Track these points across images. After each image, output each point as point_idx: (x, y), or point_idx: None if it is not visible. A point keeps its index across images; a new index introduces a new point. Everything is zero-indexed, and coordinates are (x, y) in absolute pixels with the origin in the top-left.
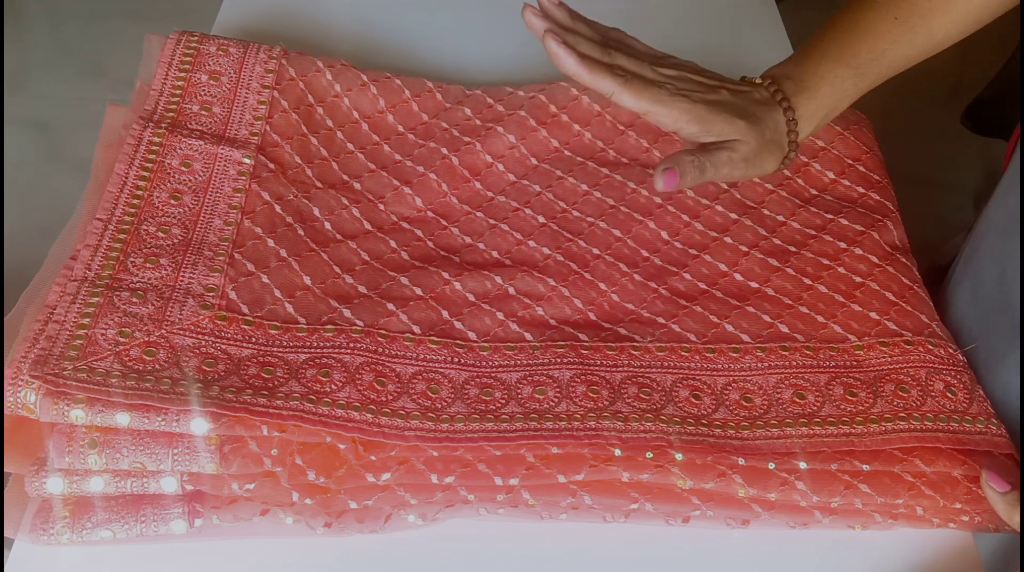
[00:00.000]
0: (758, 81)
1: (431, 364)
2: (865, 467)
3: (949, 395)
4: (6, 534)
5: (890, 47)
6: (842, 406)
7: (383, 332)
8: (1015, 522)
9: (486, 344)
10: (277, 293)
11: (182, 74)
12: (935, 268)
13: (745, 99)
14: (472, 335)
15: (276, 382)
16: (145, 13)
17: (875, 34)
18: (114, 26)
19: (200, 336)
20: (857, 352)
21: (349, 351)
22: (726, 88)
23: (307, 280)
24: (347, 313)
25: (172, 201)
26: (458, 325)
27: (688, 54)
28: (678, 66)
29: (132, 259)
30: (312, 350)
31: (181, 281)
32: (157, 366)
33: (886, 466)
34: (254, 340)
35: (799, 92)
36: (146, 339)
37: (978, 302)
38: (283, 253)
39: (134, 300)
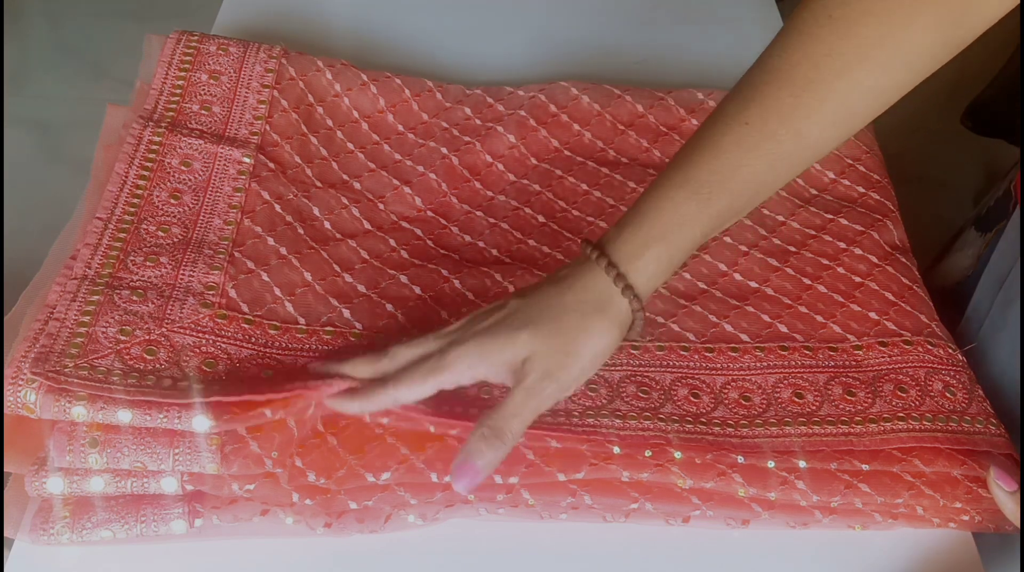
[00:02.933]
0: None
1: None
2: (865, 467)
3: (948, 395)
4: (6, 534)
5: (743, 158)
6: (841, 406)
7: (381, 337)
8: (1019, 521)
9: None
10: (277, 291)
11: (182, 73)
12: (941, 290)
13: (537, 295)
14: None
15: (274, 382)
16: (145, 13)
17: (719, 147)
18: (114, 26)
19: (200, 334)
20: (856, 352)
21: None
22: (514, 297)
23: (307, 276)
24: (346, 313)
25: (172, 200)
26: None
27: (689, 54)
28: (451, 331)
29: (132, 258)
30: (310, 355)
31: (181, 279)
32: (158, 365)
33: (886, 466)
34: (254, 340)
35: (619, 234)
36: (147, 337)
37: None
38: (283, 250)
39: (134, 298)
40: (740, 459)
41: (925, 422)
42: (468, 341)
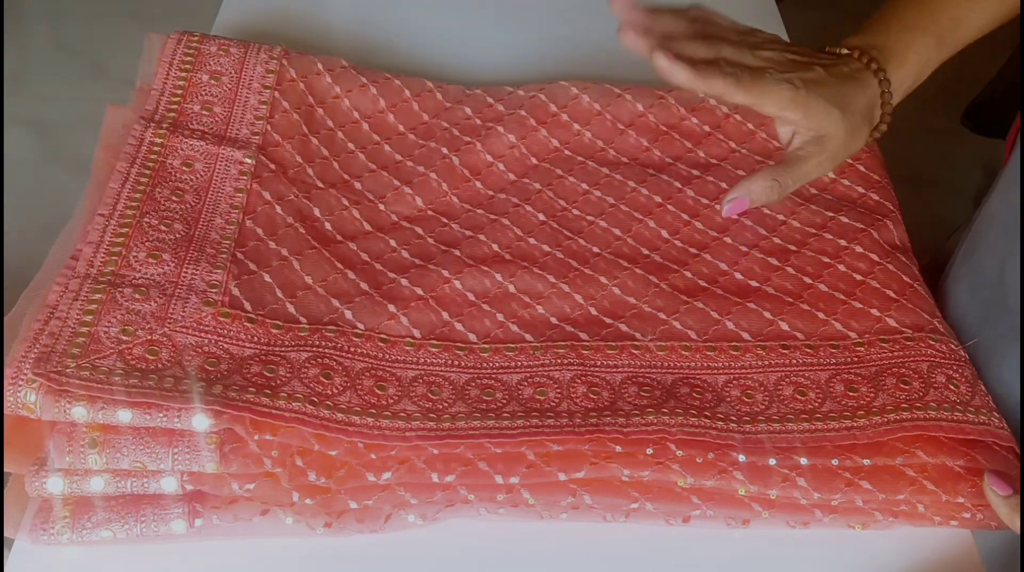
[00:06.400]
0: (844, 52)
1: (432, 368)
2: (867, 462)
3: (952, 387)
4: (6, 534)
5: (965, 14)
6: (843, 402)
7: (383, 336)
8: (1016, 526)
9: (487, 345)
10: (279, 293)
11: (183, 74)
12: (935, 264)
13: (837, 76)
14: (472, 337)
15: (279, 381)
16: (145, 13)
17: (952, 1)
18: (114, 26)
19: (203, 334)
20: (858, 349)
21: (350, 356)
22: (819, 64)
23: (308, 279)
24: (348, 314)
25: (174, 197)
26: (458, 326)
27: None
28: (769, 43)
29: (135, 254)
30: (314, 349)
31: (184, 277)
32: (160, 365)
33: (888, 459)
34: (256, 339)
35: (889, 60)
36: (149, 337)
37: (978, 299)
38: (284, 253)
39: (137, 296)
40: (741, 458)
41: (930, 412)
42: (799, 88)
